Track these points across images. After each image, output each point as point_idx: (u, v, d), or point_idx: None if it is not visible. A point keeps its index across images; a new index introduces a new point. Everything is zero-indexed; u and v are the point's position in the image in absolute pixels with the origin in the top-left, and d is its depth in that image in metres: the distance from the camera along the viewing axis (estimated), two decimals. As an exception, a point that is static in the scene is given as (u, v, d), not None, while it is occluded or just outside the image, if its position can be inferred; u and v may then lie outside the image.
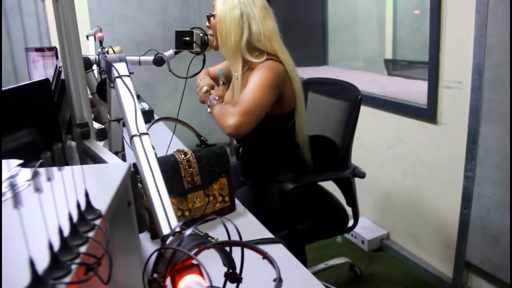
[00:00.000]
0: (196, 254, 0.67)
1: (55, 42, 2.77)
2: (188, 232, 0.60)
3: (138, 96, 2.82)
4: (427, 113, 2.15)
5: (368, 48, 4.02)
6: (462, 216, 2.00)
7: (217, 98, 1.68)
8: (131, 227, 0.81)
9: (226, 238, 1.21)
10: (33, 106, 1.12)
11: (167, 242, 0.67)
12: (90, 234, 0.57)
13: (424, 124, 2.19)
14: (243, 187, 1.81)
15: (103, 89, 1.66)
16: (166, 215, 0.68)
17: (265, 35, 1.61)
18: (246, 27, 1.60)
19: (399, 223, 2.50)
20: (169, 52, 1.64)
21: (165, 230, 0.67)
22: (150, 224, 1.22)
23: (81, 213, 0.58)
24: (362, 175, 1.82)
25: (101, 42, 2.52)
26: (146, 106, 2.57)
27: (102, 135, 1.53)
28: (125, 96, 0.82)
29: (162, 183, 0.72)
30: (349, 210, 1.85)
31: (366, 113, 2.56)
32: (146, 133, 0.77)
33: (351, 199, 1.85)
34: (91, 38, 2.28)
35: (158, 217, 0.68)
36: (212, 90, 1.78)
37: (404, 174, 2.37)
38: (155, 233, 1.19)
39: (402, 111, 2.33)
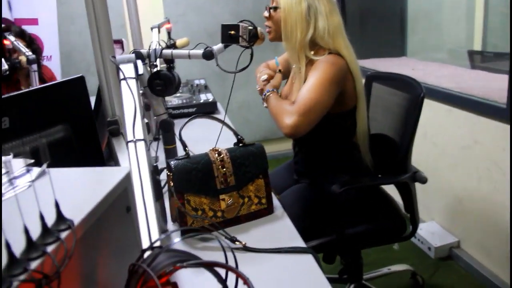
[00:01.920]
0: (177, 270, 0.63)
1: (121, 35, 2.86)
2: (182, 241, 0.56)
3: (206, 87, 2.83)
4: (506, 113, 1.93)
5: (454, 38, 3.72)
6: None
7: (272, 90, 1.62)
8: (131, 232, 0.79)
9: (261, 242, 1.17)
10: (68, 103, 1.14)
11: (144, 256, 0.63)
12: (52, 247, 0.55)
13: (502, 126, 1.98)
14: (295, 186, 1.75)
15: (154, 83, 1.68)
16: (148, 227, 0.64)
17: (330, 32, 1.52)
18: (312, 22, 1.52)
19: (471, 231, 2.29)
20: (218, 46, 1.61)
21: (146, 243, 0.64)
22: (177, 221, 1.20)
23: (44, 224, 0.56)
24: (423, 180, 1.68)
25: (169, 34, 2.56)
26: (210, 98, 2.57)
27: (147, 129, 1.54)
28: (128, 99, 0.79)
29: (149, 193, 0.68)
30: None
31: (439, 110, 2.37)
32: (142, 139, 0.74)
33: (410, 205, 1.72)
34: (155, 30, 2.31)
35: (139, 229, 0.64)
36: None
37: (479, 178, 2.16)
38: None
39: (479, 110, 2.12)
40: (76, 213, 0.67)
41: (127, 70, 0.83)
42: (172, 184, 1.19)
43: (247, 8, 3.62)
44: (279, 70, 1.72)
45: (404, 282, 2.19)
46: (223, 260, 0.63)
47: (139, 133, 0.74)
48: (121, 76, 0.83)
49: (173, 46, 2.20)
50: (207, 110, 2.49)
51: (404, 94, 1.75)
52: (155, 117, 1.93)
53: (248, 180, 1.27)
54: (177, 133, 1.72)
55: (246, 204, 1.26)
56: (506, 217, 2.02)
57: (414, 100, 1.64)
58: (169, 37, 2.53)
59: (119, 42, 2.49)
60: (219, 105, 2.59)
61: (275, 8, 1.59)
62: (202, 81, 2.96)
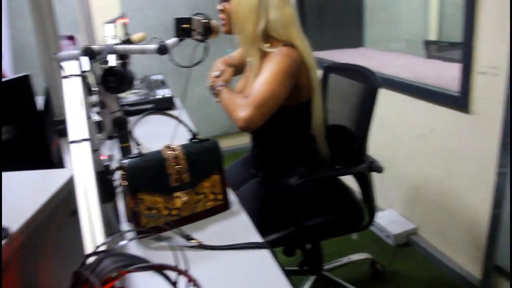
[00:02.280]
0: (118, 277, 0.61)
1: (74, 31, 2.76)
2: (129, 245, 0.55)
3: (163, 82, 2.79)
4: (459, 101, 1.98)
5: (411, 28, 3.80)
6: (493, 216, 1.84)
7: (223, 84, 1.61)
8: (77, 237, 0.77)
9: (217, 239, 1.15)
10: (13, 103, 1.09)
11: (87, 262, 0.61)
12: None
13: (456, 113, 2.03)
14: (252, 180, 1.75)
15: (107, 80, 1.64)
16: (93, 231, 0.62)
17: (282, 23, 1.52)
18: (263, 14, 1.51)
19: (428, 218, 2.35)
20: (172, 40, 1.58)
21: (90, 247, 0.62)
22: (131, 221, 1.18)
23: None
24: (379, 170, 1.71)
25: (125, 29, 2.50)
26: (167, 93, 2.53)
27: (98, 128, 1.50)
28: (71, 97, 0.76)
29: (94, 196, 0.66)
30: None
31: (395, 99, 2.41)
32: (87, 139, 0.71)
33: (367, 195, 1.74)
34: (109, 25, 2.25)
35: (83, 233, 0.62)
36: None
37: (434, 166, 2.22)
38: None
39: (433, 98, 2.17)
40: (15, 219, 0.64)
41: (72, 67, 0.80)
42: (125, 183, 1.16)
43: (203, 1, 3.57)
44: (229, 65, 1.71)
45: (364, 270, 2.23)
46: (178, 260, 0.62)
47: (83, 132, 0.72)
48: (63, 74, 0.80)
49: (128, 41, 2.14)
50: (164, 106, 2.45)
51: (360, 84, 1.76)
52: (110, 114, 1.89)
53: (203, 177, 1.25)
54: (135, 134, 1.70)
55: (202, 201, 1.24)
56: (462, 203, 2.08)
57: (370, 90, 1.66)
58: (126, 33, 2.47)
59: (71, 38, 2.42)
60: (177, 101, 2.56)
61: (228, 0, 1.57)
62: (160, 77, 2.91)
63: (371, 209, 1.74)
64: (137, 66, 2.19)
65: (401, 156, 2.44)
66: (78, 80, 0.79)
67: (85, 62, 0.84)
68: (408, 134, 2.38)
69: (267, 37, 1.55)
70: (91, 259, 0.61)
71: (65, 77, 0.78)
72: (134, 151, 1.54)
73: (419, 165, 2.34)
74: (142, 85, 2.75)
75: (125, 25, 2.51)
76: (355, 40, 3.60)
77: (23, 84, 1.14)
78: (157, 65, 3.42)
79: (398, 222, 2.47)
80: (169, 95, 2.48)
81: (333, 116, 1.90)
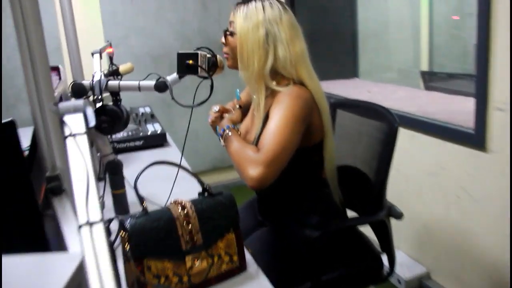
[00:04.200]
0: None
1: (56, 60, 2.60)
2: None
3: (152, 116, 2.63)
4: (475, 138, 1.88)
5: (403, 58, 3.75)
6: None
7: (232, 126, 1.44)
8: None
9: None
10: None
11: None
12: None
13: (470, 151, 1.92)
14: (260, 230, 1.59)
15: (99, 120, 1.48)
16: None
17: (292, 61, 1.38)
18: (272, 50, 1.38)
19: (441, 261, 2.22)
20: (172, 76, 1.44)
21: None
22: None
23: None
24: (398, 216, 1.58)
25: (111, 59, 2.35)
26: (158, 129, 2.37)
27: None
28: (78, 163, 0.61)
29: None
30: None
31: (402, 135, 2.29)
32: (100, 221, 0.55)
33: (387, 244, 1.61)
34: (97, 56, 2.10)
35: None
36: (226, 114, 1.55)
37: (447, 206, 2.10)
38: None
39: (444, 134, 2.06)
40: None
41: (77, 123, 0.65)
42: (128, 247, 1.00)
43: (192, 29, 3.45)
44: (239, 106, 1.56)
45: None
46: None
47: (95, 212, 0.56)
48: (67, 132, 0.64)
49: (116, 73, 1.98)
50: (156, 143, 2.30)
51: (373, 123, 1.65)
52: (98, 154, 1.72)
53: (217, 236, 1.09)
54: (126, 175, 1.54)
55: (215, 264, 1.09)
56: (478, 245, 1.96)
57: (388, 130, 1.54)
58: (111, 63, 2.32)
59: (56, 69, 2.25)
60: (168, 137, 2.41)
61: (232, 33, 1.43)
62: (148, 109, 2.76)
63: (391, 259, 1.61)
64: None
65: (409, 194, 2.32)
66: (85, 139, 0.63)
67: (91, 115, 0.68)
68: (416, 172, 2.27)
69: (275, 73, 1.42)
70: None
71: (69, 135, 0.63)
72: (130, 197, 1.39)
73: (430, 204, 2.22)
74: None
75: (110, 55, 2.36)
76: (349, 70, 3.51)
77: (7, 131, 0.95)
78: (140, 96, 3.27)
79: (408, 265, 2.33)
80: (162, 131, 2.33)
81: (341, 156, 1.77)
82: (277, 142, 1.26)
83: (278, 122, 1.29)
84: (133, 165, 1.88)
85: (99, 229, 0.55)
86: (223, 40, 1.48)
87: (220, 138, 1.44)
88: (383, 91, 2.89)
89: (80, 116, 0.65)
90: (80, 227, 0.55)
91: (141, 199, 1.04)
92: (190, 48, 1.40)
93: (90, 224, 0.55)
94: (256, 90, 1.42)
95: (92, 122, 0.65)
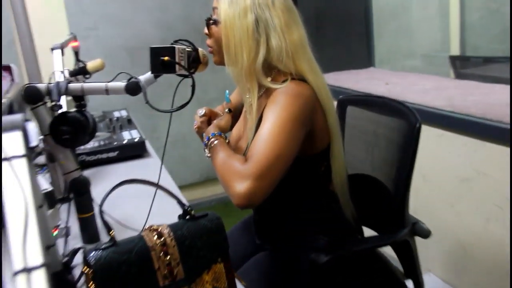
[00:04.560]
0: None
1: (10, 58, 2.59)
2: None
3: (129, 121, 2.62)
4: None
5: (427, 41, 3.74)
6: None
7: (218, 133, 1.42)
8: None
9: None
10: None
11: None
12: None
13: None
14: (258, 255, 1.58)
15: (59, 130, 1.46)
16: None
17: (288, 51, 1.36)
18: (263, 40, 1.35)
19: (482, 286, 2.21)
20: (146, 76, 1.42)
21: None
22: None
23: None
24: (425, 234, 1.57)
25: (76, 54, 2.34)
26: (136, 136, 2.36)
27: (49, 201, 1.35)
28: (13, 192, 0.58)
29: None
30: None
31: (428, 135, 2.29)
32: (41, 266, 0.53)
33: (412, 268, 1.59)
34: (57, 52, 2.08)
35: None
36: (213, 121, 1.54)
37: (486, 219, 2.09)
38: None
39: (479, 133, 2.06)
40: None
41: (14, 143, 0.62)
42: (92, 287, 0.98)
43: (176, 16, 3.45)
44: (229, 110, 1.54)
45: None
46: None
47: (34, 256, 0.53)
48: (3, 155, 0.62)
49: (83, 71, 1.96)
50: (134, 154, 2.28)
51: (392, 122, 1.64)
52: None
53: (202, 268, 1.08)
54: (95, 194, 1.52)
55: (202, 301, 1.07)
56: (525, 266, 1.95)
57: (408, 132, 1.53)
58: (77, 59, 2.31)
59: (7, 68, 2.24)
60: (147, 145, 2.39)
61: (216, 22, 1.42)
62: (124, 113, 2.75)
63: (418, 286, 1.59)
64: (93, 99, 2.02)
65: (440, 206, 2.32)
66: (23, 163, 0.61)
67: (34, 132, 0.66)
68: (447, 179, 2.27)
69: (270, 68, 1.40)
70: None
71: (4, 159, 0.61)
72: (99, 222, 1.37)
73: (465, 216, 2.22)
74: (101, 125, 2.57)
75: (76, 49, 2.35)
76: (363, 58, 3.52)
77: None
78: (116, 97, 3.27)
79: (441, 291, 2.32)
80: (141, 139, 2.31)
81: (353, 163, 1.76)
82: (270, 150, 1.23)
83: (271, 126, 1.27)
84: (106, 181, 1.87)
85: (40, 276, 0.53)
86: (206, 31, 1.47)
87: (205, 148, 1.42)
88: (403, 82, 2.89)
89: (17, 134, 0.63)
90: (15, 274, 0.53)
91: (108, 227, 1.02)
92: (172, 38, 1.39)
93: (28, 270, 0.53)
94: (248, 89, 1.41)
95: (34, 141, 0.63)
